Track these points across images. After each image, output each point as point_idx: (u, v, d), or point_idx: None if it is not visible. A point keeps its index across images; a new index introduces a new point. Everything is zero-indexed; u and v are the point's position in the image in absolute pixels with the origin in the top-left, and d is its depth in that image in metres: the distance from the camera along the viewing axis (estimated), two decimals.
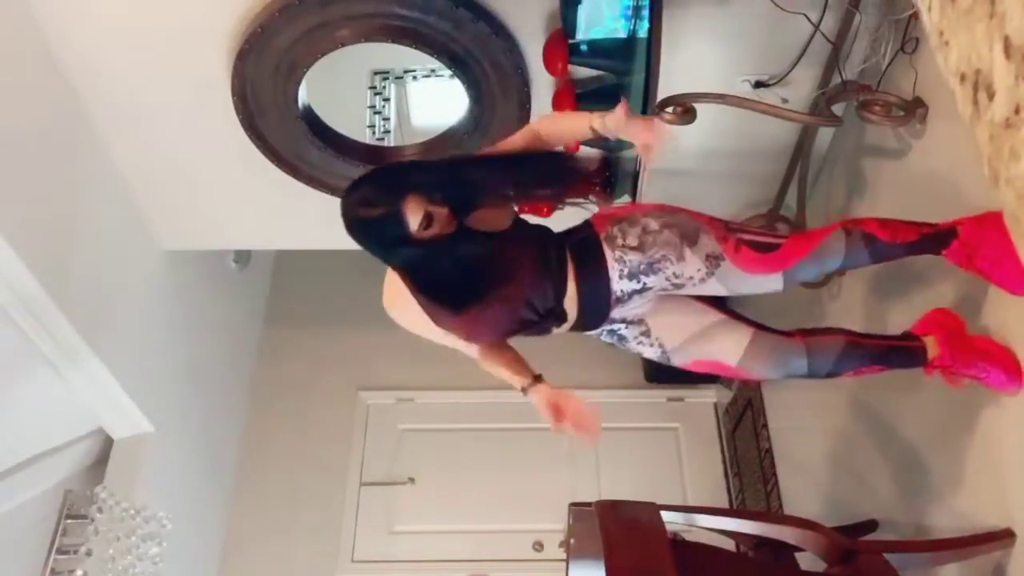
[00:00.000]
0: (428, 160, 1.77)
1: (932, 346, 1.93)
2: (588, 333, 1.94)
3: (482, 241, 1.71)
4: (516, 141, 1.81)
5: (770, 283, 1.85)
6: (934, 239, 1.90)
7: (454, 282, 1.73)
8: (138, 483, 2.99)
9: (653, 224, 1.81)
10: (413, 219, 1.60)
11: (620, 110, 1.71)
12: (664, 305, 1.89)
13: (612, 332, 1.92)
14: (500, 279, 1.73)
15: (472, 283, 1.73)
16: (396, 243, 1.64)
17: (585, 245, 1.82)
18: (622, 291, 1.82)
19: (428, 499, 3.95)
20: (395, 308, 1.81)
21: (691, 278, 1.81)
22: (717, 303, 1.93)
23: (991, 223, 1.86)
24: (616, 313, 1.86)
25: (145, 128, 2.81)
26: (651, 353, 1.92)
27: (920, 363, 1.94)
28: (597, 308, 1.84)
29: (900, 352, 1.95)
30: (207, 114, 2.72)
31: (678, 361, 1.91)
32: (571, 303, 1.81)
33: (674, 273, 1.80)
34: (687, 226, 1.81)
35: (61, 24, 2.50)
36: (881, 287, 2.59)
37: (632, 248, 1.79)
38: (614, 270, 1.80)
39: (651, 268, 1.80)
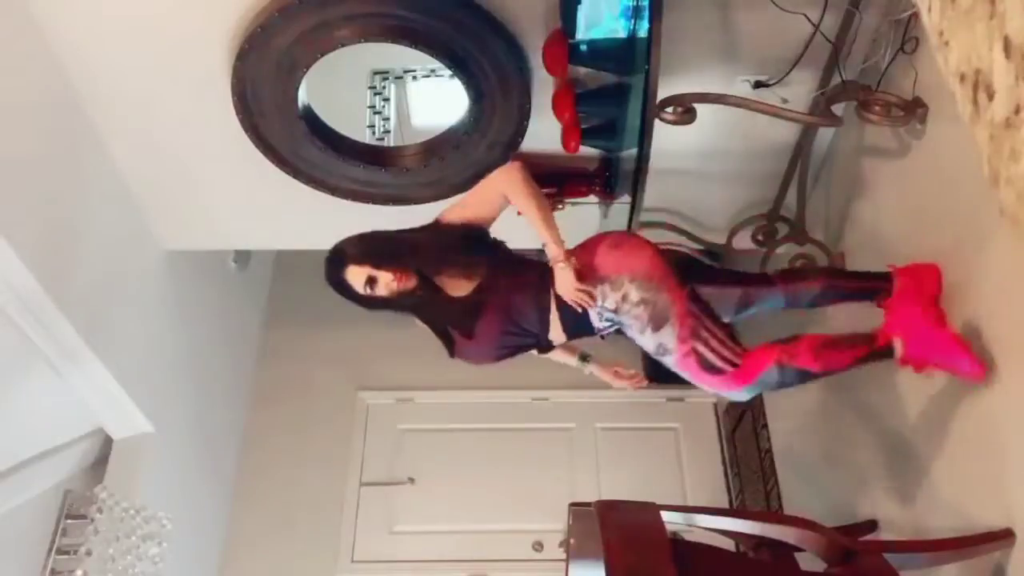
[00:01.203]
0: (379, 232, 1.99)
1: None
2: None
3: (448, 298, 1.95)
4: (487, 194, 1.95)
5: (711, 390, 2.05)
6: (872, 358, 2.02)
7: (441, 327, 2.00)
8: (138, 483, 2.98)
9: (634, 296, 1.94)
10: (356, 283, 1.88)
11: (571, 278, 1.90)
12: None
13: (610, 332, 2.08)
14: (470, 329, 1.95)
15: (450, 331, 1.99)
16: (362, 300, 1.92)
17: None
18: (602, 327, 2.03)
19: (428, 499, 3.95)
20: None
21: (649, 349, 2.00)
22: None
23: (919, 319, 1.99)
24: (603, 334, 2.07)
25: (145, 128, 2.80)
26: (649, 346, 2.04)
27: (882, 288, 2.08)
28: (582, 335, 2.06)
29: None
30: (207, 114, 2.72)
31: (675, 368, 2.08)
32: (557, 334, 2.02)
33: (636, 337, 2.00)
34: (660, 308, 1.94)
35: (61, 24, 2.49)
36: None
37: (608, 309, 1.97)
38: (593, 316, 1.99)
39: (622, 324, 2.00)
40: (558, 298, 1.95)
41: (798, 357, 1.98)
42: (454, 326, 1.97)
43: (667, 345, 1.95)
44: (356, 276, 1.87)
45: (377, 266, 1.86)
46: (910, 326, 1.99)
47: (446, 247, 1.92)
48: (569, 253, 1.92)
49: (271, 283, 4.53)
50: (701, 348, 1.95)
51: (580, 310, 1.95)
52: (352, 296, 1.92)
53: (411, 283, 1.89)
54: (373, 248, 1.90)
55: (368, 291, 1.87)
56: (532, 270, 2.00)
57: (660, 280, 1.94)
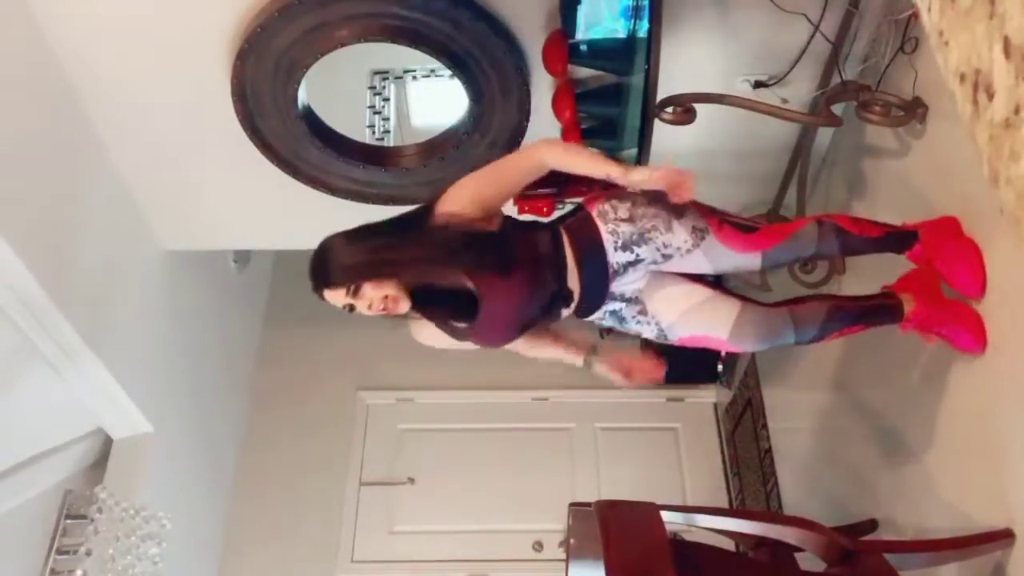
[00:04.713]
0: (357, 241, 1.78)
1: (908, 302, 2.04)
2: (590, 318, 2.01)
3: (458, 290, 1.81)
4: (519, 168, 1.87)
5: (750, 261, 1.96)
6: (897, 238, 2.07)
7: (453, 308, 1.85)
8: (138, 483, 2.98)
9: (642, 199, 1.91)
10: (336, 304, 1.75)
11: (645, 172, 1.82)
12: (658, 283, 1.96)
13: (613, 313, 1.99)
14: (491, 300, 1.80)
15: (468, 307, 1.82)
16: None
17: (580, 224, 1.91)
18: (617, 263, 1.90)
19: (428, 499, 3.95)
20: (418, 334, 1.96)
21: (679, 248, 1.90)
22: (709, 282, 2.00)
23: (947, 229, 2.06)
24: (615, 287, 1.94)
25: (145, 128, 2.80)
26: (649, 332, 1.99)
27: (897, 319, 2.04)
28: (597, 282, 1.92)
29: (879, 310, 2.06)
30: (207, 114, 2.72)
31: (674, 336, 1.98)
32: (573, 281, 1.90)
33: (663, 243, 1.89)
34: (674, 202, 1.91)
35: (61, 24, 2.49)
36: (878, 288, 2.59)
37: (623, 220, 1.89)
38: (608, 243, 1.89)
39: (642, 238, 1.89)
40: (572, 241, 1.88)
41: (836, 218, 2.04)
42: (467, 316, 1.84)
43: (699, 224, 1.90)
44: (334, 298, 1.74)
45: (355, 293, 1.71)
46: (936, 251, 2.04)
47: (445, 253, 1.76)
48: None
49: (271, 283, 4.53)
50: (729, 219, 1.95)
51: (597, 247, 1.87)
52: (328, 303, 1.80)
53: (400, 306, 1.75)
54: (353, 271, 1.71)
55: (349, 308, 1.74)
56: (542, 233, 1.91)
57: (656, 191, 1.94)
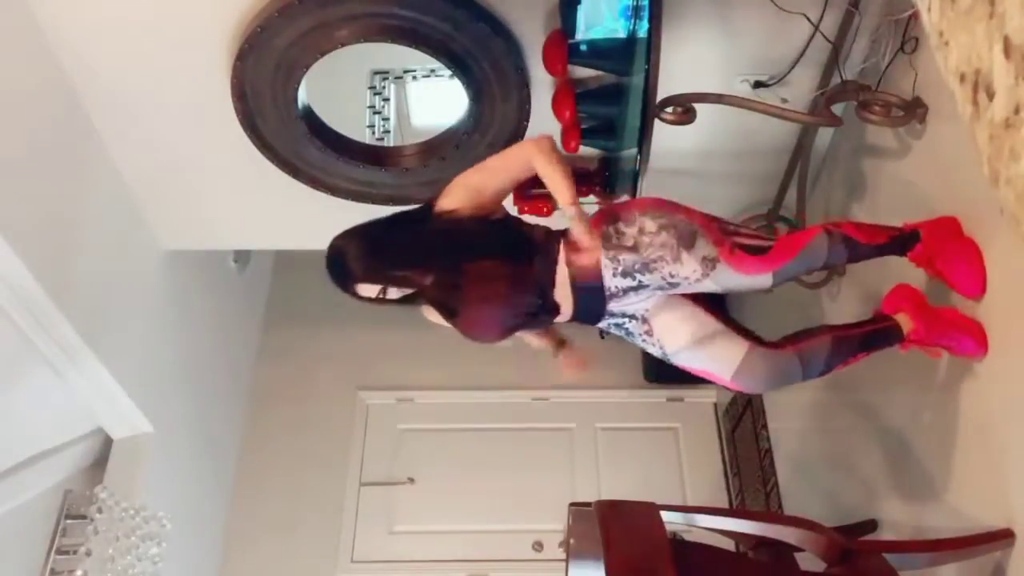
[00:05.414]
0: (378, 254, 1.87)
1: (905, 322, 2.04)
2: (595, 326, 2.01)
3: (458, 281, 1.88)
4: (509, 165, 1.88)
5: (760, 281, 1.93)
6: (900, 241, 2.07)
7: (446, 300, 1.90)
8: (138, 483, 2.98)
9: (650, 225, 1.86)
10: (368, 294, 1.87)
11: (577, 218, 1.81)
12: (668, 307, 1.94)
13: (619, 326, 1.99)
14: (473, 299, 1.86)
15: (456, 302, 1.89)
16: (372, 301, 1.89)
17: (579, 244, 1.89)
18: (616, 287, 1.89)
19: (428, 499, 3.95)
20: (429, 313, 2.00)
21: (687, 278, 1.87)
22: (720, 312, 1.98)
23: (947, 229, 2.07)
24: (614, 307, 1.93)
25: (145, 128, 2.80)
26: (654, 351, 1.99)
27: (897, 341, 2.05)
28: (591, 302, 1.92)
29: (879, 335, 2.06)
30: (207, 114, 2.72)
31: (677, 363, 1.98)
32: (564, 297, 1.90)
33: (670, 273, 1.86)
34: (684, 228, 1.87)
35: (60, 24, 2.49)
36: (877, 290, 2.59)
37: (627, 248, 1.86)
38: (607, 268, 1.87)
39: (646, 267, 1.86)
40: (569, 259, 1.87)
41: (842, 226, 2.04)
42: (461, 303, 1.90)
43: (709, 255, 1.84)
44: (367, 291, 1.86)
45: (388, 282, 1.84)
46: (937, 254, 2.05)
47: (458, 240, 1.84)
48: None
49: (271, 283, 4.53)
50: (740, 240, 1.90)
51: (592, 264, 1.87)
52: (359, 299, 1.89)
53: (426, 280, 1.86)
54: (381, 265, 1.84)
55: (381, 296, 1.86)
56: (536, 230, 1.94)
57: (669, 207, 1.90)
